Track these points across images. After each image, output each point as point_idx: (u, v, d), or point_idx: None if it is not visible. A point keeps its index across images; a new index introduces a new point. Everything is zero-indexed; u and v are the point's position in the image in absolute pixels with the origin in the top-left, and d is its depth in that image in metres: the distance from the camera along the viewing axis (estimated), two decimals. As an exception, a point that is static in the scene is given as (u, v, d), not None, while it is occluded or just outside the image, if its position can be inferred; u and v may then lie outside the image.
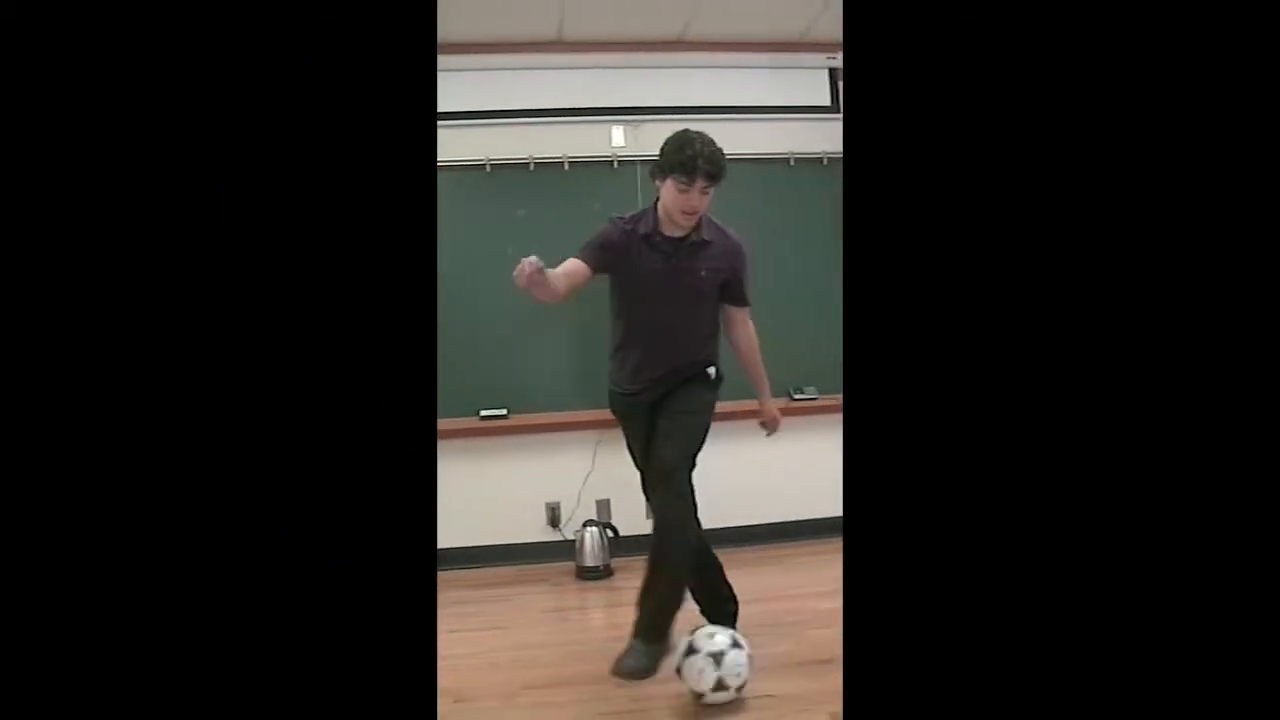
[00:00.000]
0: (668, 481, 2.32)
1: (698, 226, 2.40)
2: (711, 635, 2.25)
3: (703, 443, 2.43)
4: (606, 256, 2.40)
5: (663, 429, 2.41)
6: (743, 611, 2.63)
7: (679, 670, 2.22)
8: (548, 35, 3.79)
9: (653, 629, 2.26)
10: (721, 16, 3.69)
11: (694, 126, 2.34)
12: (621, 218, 2.45)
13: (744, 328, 2.62)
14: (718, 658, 2.18)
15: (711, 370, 2.51)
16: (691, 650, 2.21)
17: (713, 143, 2.32)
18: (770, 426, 2.72)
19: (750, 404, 2.68)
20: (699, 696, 2.20)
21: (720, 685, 2.18)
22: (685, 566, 2.33)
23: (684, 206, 2.31)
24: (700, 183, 2.28)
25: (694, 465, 2.41)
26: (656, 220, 2.41)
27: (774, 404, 2.72)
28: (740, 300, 2.58)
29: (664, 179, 2.33)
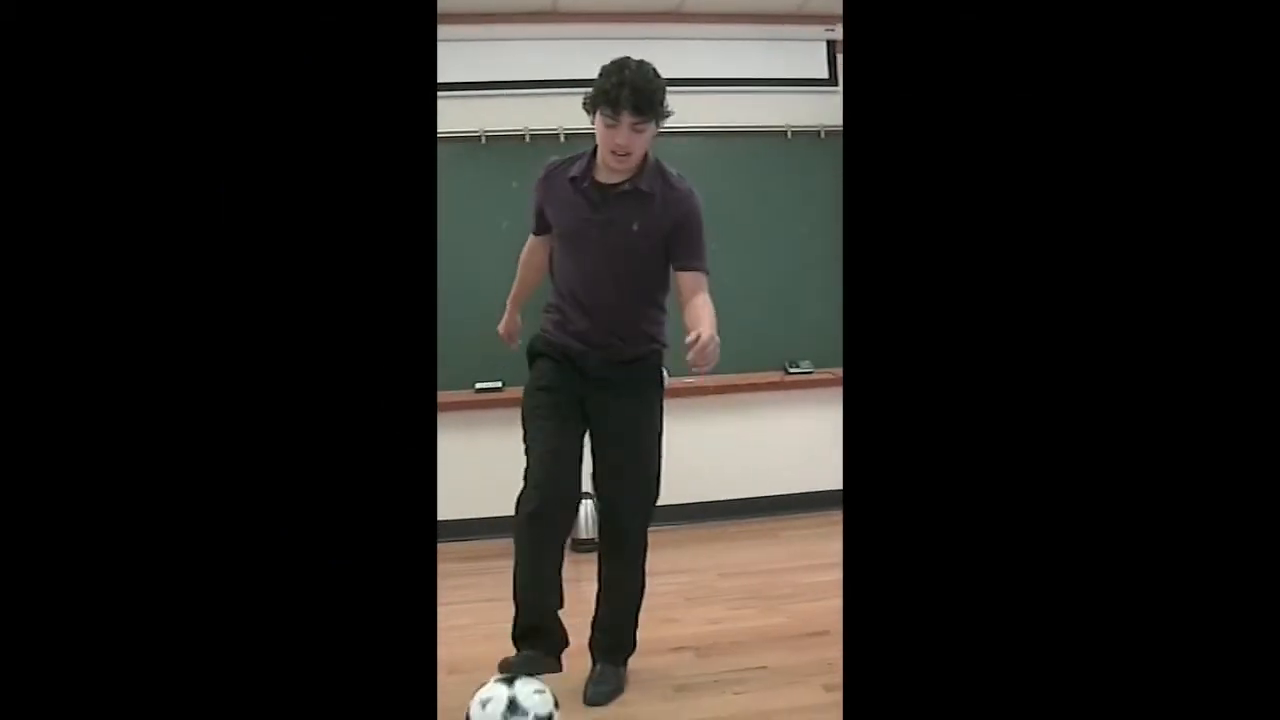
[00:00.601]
0: (625, 547, 2.18)
1: (638, 174, 2.02)
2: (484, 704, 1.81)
3: (659, 484, 2.17)
4: (542, 217, 2.15)
5: (611, 470, 2.14)
6: (734, 585, 2.62)
7: None
8: (543, 6, 3.75)
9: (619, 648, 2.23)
10: (718, -12, 3.66)
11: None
12: (560, 159, 2.11)
13: (697, 299, 1.99)
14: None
15: (660, 373, 2.15)
16: None
17: (648, 71, 1.95)
18: (699, 357, 1.81)
19: (745, 377, 2.55)
20: None
21: None
22: (638, 600, 2.24)
23: (611, 145, 1.94)
24: (628, 117, 1.90)
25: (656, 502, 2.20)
26: (592, 164, 2.04)
27: (712, 330, 1.86)
28: (687, 260, 2.04)
29: (594, 114, 1.97)
